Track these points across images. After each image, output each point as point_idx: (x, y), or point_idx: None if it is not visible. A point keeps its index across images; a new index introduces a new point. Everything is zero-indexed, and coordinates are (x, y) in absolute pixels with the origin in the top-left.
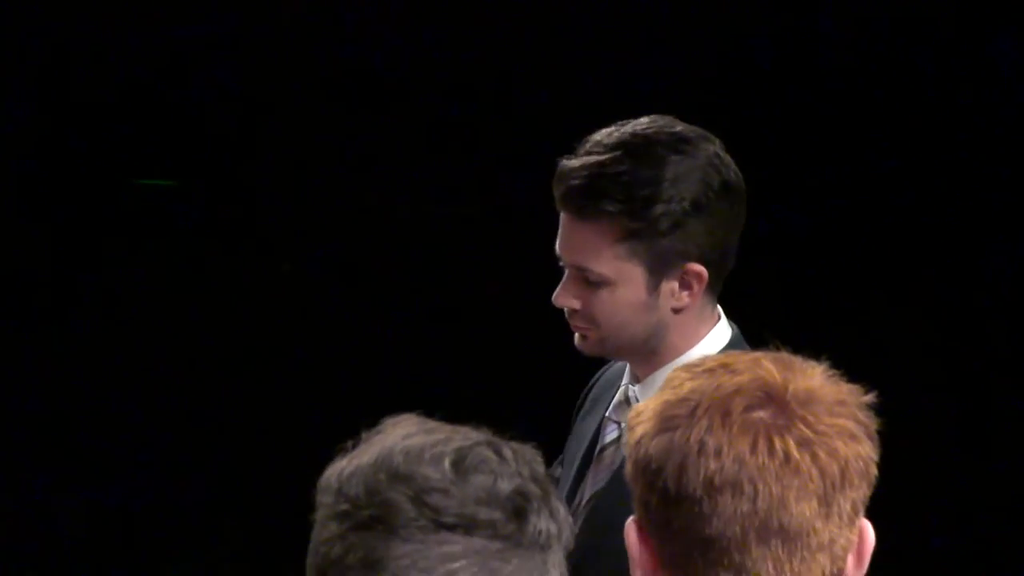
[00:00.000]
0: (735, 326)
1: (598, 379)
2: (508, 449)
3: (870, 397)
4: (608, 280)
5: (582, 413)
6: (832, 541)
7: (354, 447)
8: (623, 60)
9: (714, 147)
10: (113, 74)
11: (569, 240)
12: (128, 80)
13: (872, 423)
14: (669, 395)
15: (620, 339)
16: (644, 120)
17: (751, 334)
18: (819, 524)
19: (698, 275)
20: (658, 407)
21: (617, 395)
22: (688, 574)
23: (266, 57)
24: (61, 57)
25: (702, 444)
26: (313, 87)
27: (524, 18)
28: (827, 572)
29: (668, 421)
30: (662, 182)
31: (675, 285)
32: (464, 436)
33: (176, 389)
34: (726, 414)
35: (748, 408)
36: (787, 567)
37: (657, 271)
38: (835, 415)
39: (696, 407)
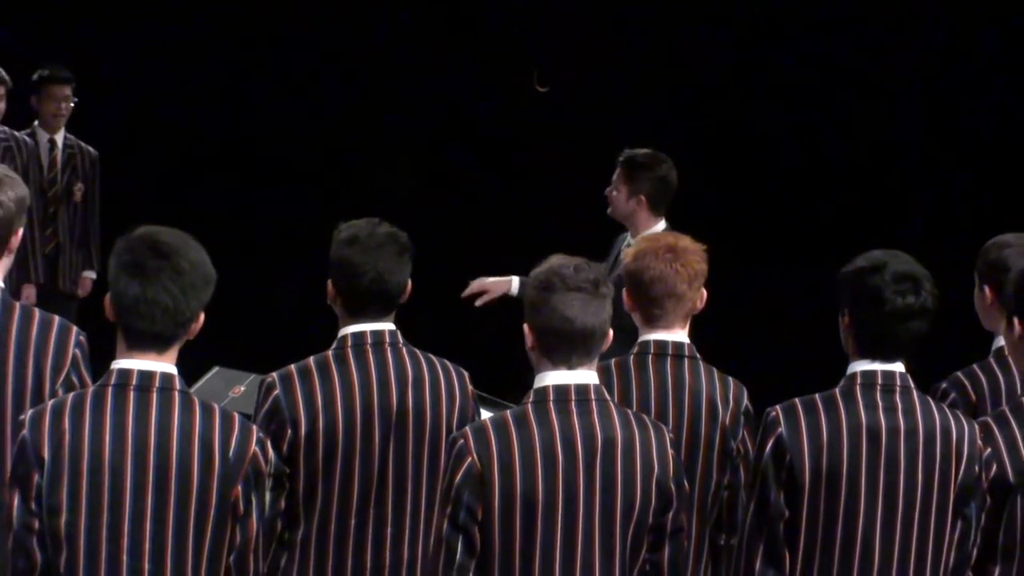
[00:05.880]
0: (667, 223)
1: (613, 243)
2: (591, 265)
3: (705, 247)
4: (617, 189)
5: (612, 250)
6: (692, 297)
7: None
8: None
9: (666, 161)
10: None
11: (615, 175)
12: None
13: (705, 255)
14: (637, 247)
15: (619, 214)
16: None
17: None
18: (689, 292)
19: (644, 200)
20: (633, 251)
21: (627, 241)
22: (643, 308)
23: None
24: None
25: (648, 266)
26: None
27: None
28: (689, 308)
29: (636, 257)
30: (641, 164)
31: (635, 201)
32: (576, 259)
33: None
34: (655, 255)
35: (664, 253)
36: (678, 306)
37: (631, 194)
38: (694, 254)
39: (646, 252)
